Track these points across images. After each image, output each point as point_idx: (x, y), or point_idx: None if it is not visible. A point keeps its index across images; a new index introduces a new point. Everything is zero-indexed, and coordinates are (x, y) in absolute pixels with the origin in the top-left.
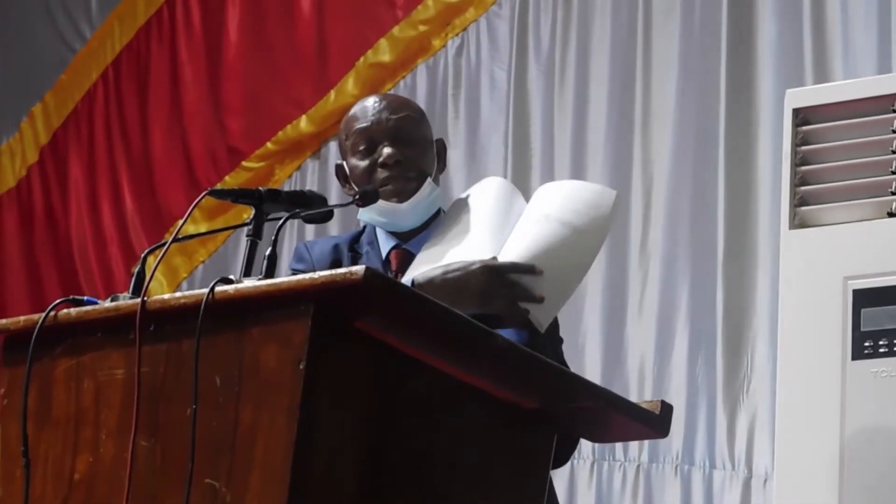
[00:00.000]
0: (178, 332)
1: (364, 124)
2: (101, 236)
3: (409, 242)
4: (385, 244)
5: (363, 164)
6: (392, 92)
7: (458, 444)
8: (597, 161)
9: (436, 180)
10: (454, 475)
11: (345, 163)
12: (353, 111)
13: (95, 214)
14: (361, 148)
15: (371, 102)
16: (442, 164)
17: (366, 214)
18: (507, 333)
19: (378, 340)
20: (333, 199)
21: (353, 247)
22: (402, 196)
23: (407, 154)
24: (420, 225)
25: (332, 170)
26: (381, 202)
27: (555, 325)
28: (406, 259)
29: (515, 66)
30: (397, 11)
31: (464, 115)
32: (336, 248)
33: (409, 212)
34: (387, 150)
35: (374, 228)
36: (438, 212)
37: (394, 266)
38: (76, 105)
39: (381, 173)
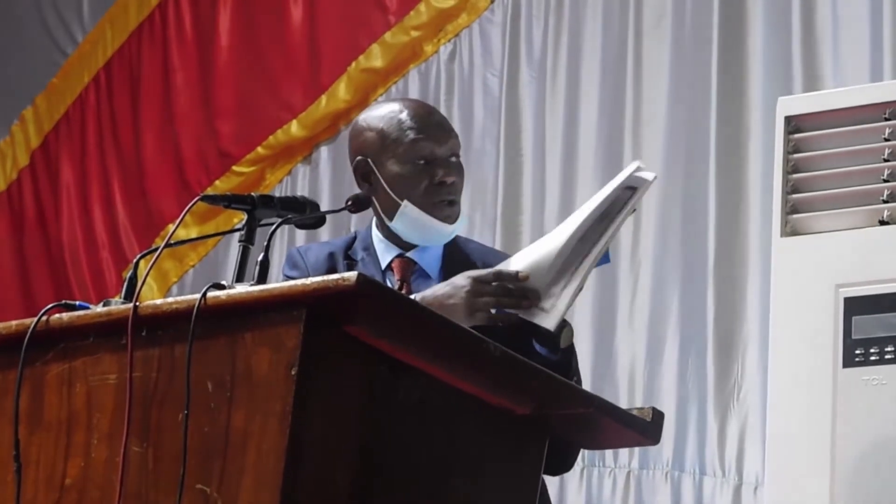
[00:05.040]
0: (171, 338)
1: (425, 137)
2: (93, 240)
3: (410, 252)
4: (385, 252)
5: (417, 178)
6: (383, 98)
7: (450, 449)
8: (588, 167)
9: None
10: (447, 480)
11: (371, 161)
12: (402, 115)
13: (87, 218)
14: (420, 162)
15: (424, 112)
16: None
17: (400, 224)
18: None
19: (370, 346)
20: (325, 204)
21: (348, 253)
22: (452, 219)
23: (457, 176)
24: None
25: (322, 174)
26: (426, 217)
27: None
28: (408, 268)
29: (507, 71)
30: (389, 17)
31: (456, 120)
32: (331, 255)
33: (451, 234)
34: (447, 172)
35: (369, 234)
36: None
37: (397, 275)
38: (68, 109)
39: (440, 193)
